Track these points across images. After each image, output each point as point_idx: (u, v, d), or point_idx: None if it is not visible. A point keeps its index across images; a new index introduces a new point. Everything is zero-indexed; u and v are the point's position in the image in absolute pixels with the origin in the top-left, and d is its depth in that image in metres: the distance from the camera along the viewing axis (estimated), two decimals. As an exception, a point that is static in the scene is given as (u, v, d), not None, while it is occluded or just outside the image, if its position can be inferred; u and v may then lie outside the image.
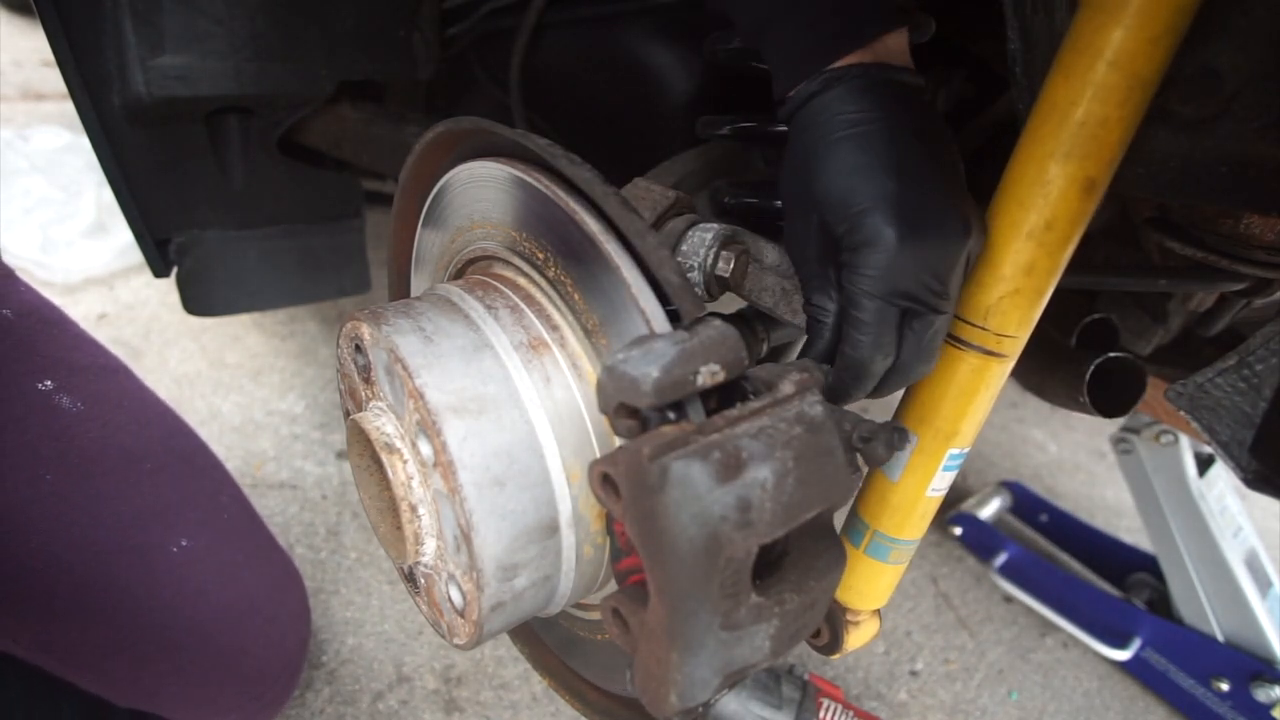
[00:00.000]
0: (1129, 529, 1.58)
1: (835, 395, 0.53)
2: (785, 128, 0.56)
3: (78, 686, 0.77)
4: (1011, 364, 0.53)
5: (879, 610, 0.63)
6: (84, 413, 0.77)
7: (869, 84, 0.51)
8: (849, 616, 0.61)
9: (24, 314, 0.78)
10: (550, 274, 0.53)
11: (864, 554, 0.60)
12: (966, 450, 0.56)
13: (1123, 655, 1.20)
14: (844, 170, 0.50)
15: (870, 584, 0.61)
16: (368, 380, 0.53)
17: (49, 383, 0.76)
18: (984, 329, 0.51)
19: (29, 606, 0.72)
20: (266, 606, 0.86)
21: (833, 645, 0.61)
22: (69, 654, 0.74)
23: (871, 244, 0.48)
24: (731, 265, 0.56)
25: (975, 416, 0.54)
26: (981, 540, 1.41)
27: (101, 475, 0.76)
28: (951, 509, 1.45)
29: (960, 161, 0.54)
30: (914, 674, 1.20)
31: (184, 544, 0.80)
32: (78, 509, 0.73)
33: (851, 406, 0.53)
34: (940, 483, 0.56)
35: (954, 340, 0.52)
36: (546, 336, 0.52)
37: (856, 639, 0.62)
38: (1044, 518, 1.47)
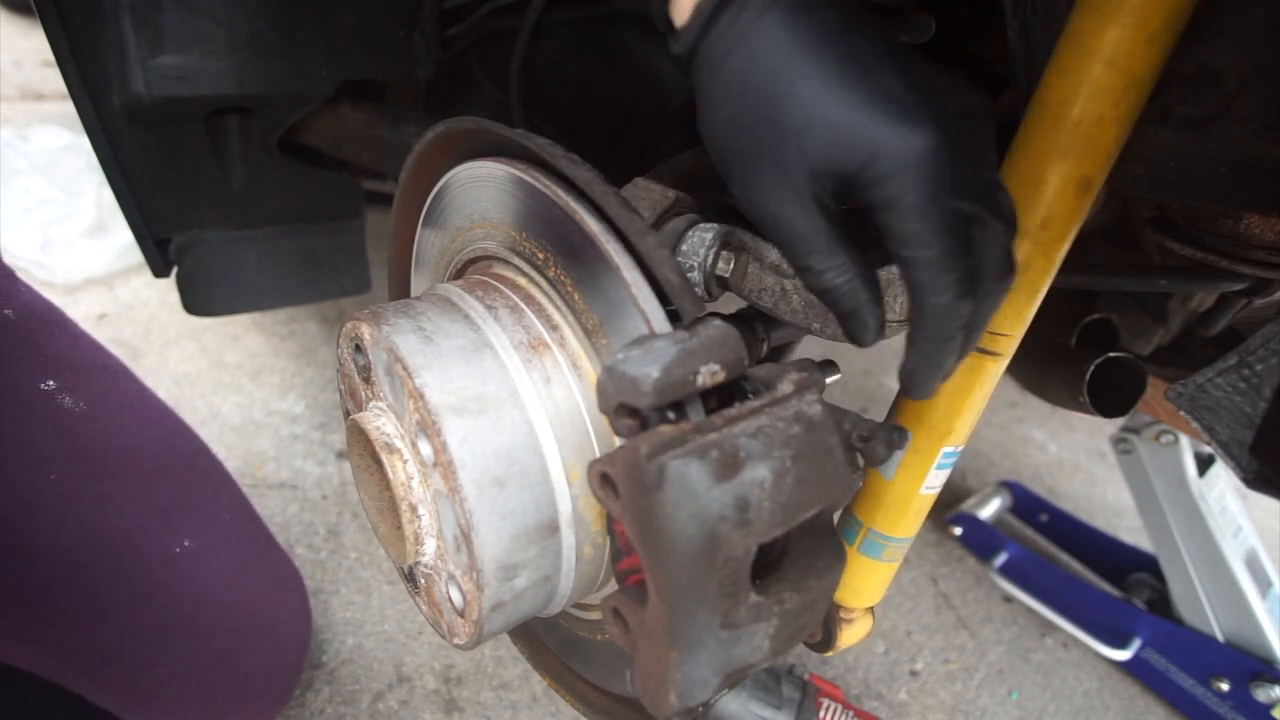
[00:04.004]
0: (1129, 529, 1.58)
1: (922, 369, 0.43)
2: None
3: (66, 690, 0.76)
4: (1006, 362, 0.53)
5: (873, 608, 0.63)
6: (87, 413, 0.77)
7: None
8: (842, 614, 0.62)
9: (25, 314, 0.78)
10: (550, 274, 0.53)
11: (858, 551, 0.60)
12: (960, 448, 0.56)
13: (1123, 655, 1.20)
14: (828, 86, 0.39)
15: (864, 581, 0.61)
16: (368, 380, 0.53)
17: (51, 382, 0.76)
18: None
19: (33, 606, 0.72)
20: (268, 607, 0.86)
21: (826, 643, 0.62)
22: (73, 655, 0.74)
23: (906, 157, 0.38)
24: (731, 265, 0.56)
25: (969, 414, 0.54)
26: (981, 540, 1.40)
27: (105, 476, 0.76)
28: (951, 509, 1.45)
29: None
30: (914, 674, 1.20)
31: (187, 545, 0.80)
32: (82, 509, 0.74)
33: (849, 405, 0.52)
34: (934, 481, 0.56)
35: None
36: (546, 336, 0.52)
37: (850, 636, 0.62)
38: (1044, 518, 1.47)
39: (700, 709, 0.45)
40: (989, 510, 1.45)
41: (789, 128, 0.40)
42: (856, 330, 0.44)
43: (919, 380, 0.44)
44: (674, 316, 0.47)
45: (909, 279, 0.41)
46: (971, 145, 0.39)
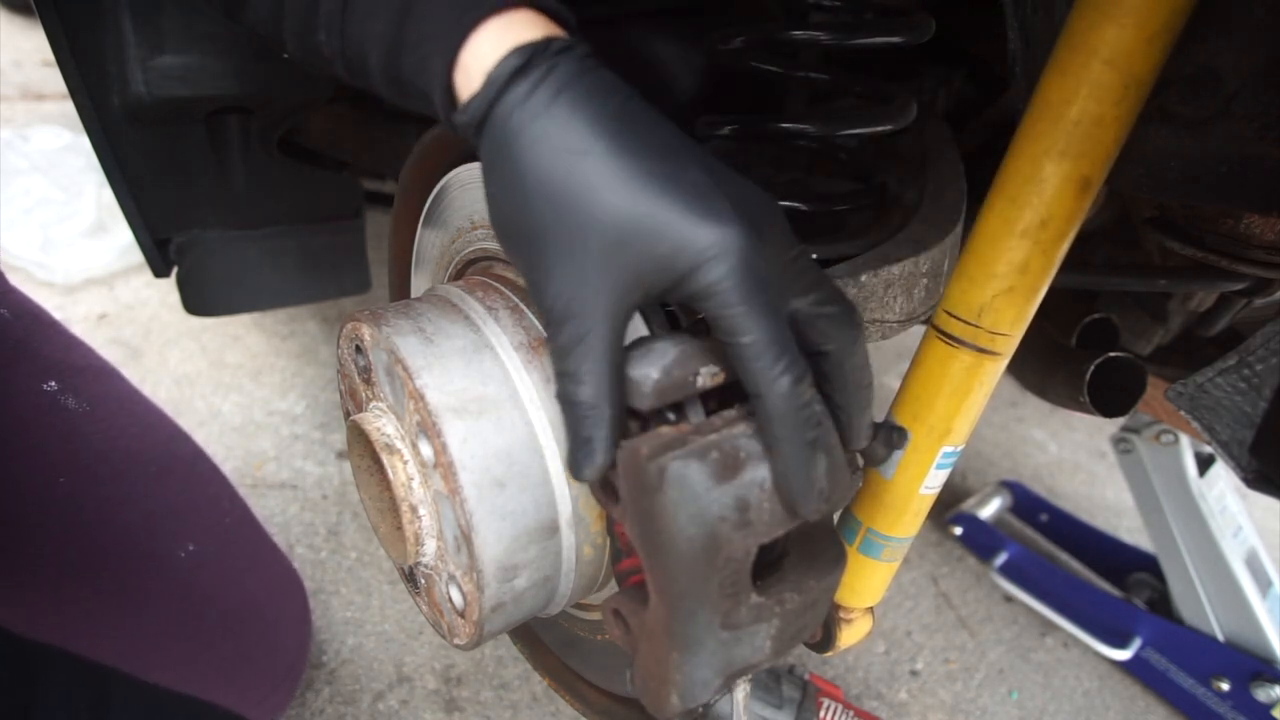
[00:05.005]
0: (1129, 529, 1.58)
1: (792, 476, 0.39)
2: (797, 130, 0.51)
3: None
4: (1005, 362, 0.53)
5: (872, 608, 0.63)
6: (90, 414, 0.77)
7: (571, 72, 0.38)
8: (842, 614, 0.62)
9: (20, 314, 0.77)
10: (550, 274, 0.53)
11: (858, 551, 0.60)
12: (960, 448, 0.56)
13: (1123, 655, 1.20)
14: (629, 174, 0.37)
15: (864, 581, 0.61)
16: (368, 381, 0.53)
17: (53, 384, 0.75)
18: (977, 327, 0.51)
19: (42, 611, 0.71)
20: (269, 611, 0.86)
21: (826, 643, 0.62)
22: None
23: (718, 247, 0.37)
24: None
25: (969, 414, 0.54)
26: (981, 540, 1.41)
27: (112, 479, 0.76)
28: (951, 509, 1.45)
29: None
30: (914, 674, 1.20)
31: (191, 549, 0.79)
32: (91, 512, 0.73)
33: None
34: (934, 480, 0.56)
35: (947, 338, 0.52)
36: (546, 337, 0.52)
37: (850, 636, 0.62)
38: (1044, 518, 1.47)
39: (701, 709, 0.45)
40: (989, 510, 1.45)
41: (588, 216, 0.37)
42: (581, 459, 0.40)
43: (795, 494, 0.39)
44: (674, 318, 0.47)
45: (744, 369, 0.39)
46: (776, 234, 0.39)
